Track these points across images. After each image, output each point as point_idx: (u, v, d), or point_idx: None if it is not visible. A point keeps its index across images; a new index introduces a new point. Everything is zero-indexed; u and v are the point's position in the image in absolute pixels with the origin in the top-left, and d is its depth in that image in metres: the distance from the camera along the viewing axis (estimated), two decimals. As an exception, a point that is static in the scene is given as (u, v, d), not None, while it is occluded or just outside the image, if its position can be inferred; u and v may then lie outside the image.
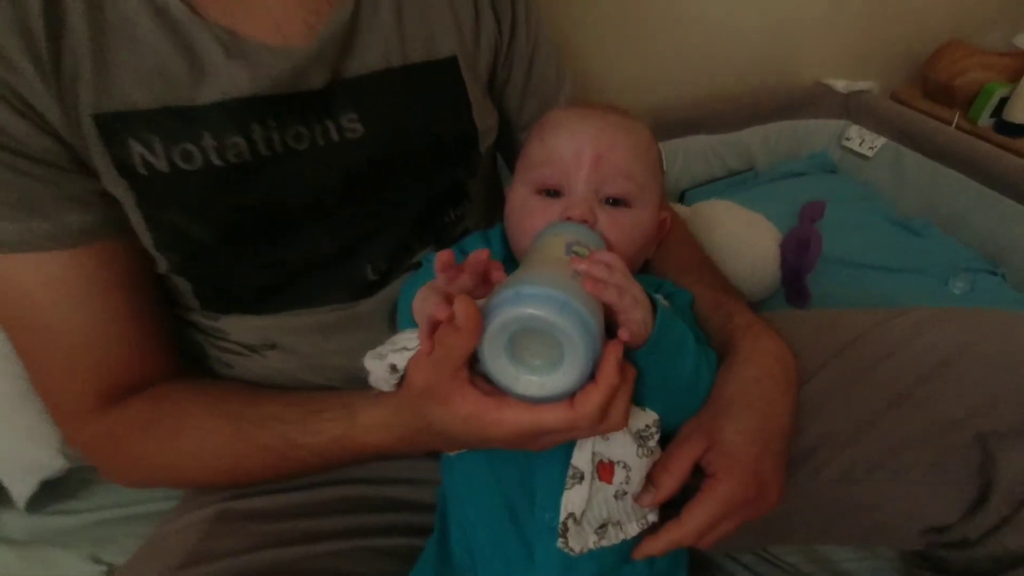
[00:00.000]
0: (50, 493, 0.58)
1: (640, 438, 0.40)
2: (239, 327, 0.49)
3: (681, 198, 1.10)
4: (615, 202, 0.47)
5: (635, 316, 0.35)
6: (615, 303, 0.35)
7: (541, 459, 0.41)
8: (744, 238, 0.87)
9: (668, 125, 1.04)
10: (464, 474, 0.45)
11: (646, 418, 0.40)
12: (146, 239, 0.44)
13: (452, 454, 0.45)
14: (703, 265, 0.57)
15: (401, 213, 0.50)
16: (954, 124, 1.11)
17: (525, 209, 0.48)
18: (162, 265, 0.46)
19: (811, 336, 0.48)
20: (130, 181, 0.41)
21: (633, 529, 0.42)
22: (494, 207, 0.60)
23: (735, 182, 1.12)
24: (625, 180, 0.47)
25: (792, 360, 0.46)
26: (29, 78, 0.38)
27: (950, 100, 1.16)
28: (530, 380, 0.34)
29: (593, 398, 0.33)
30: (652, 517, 0.43)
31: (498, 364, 0.34)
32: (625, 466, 0.40)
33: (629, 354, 0.37)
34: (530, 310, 0.32)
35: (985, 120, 1.12)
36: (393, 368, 0.39)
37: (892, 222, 1.03)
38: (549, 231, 0.44)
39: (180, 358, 0.51)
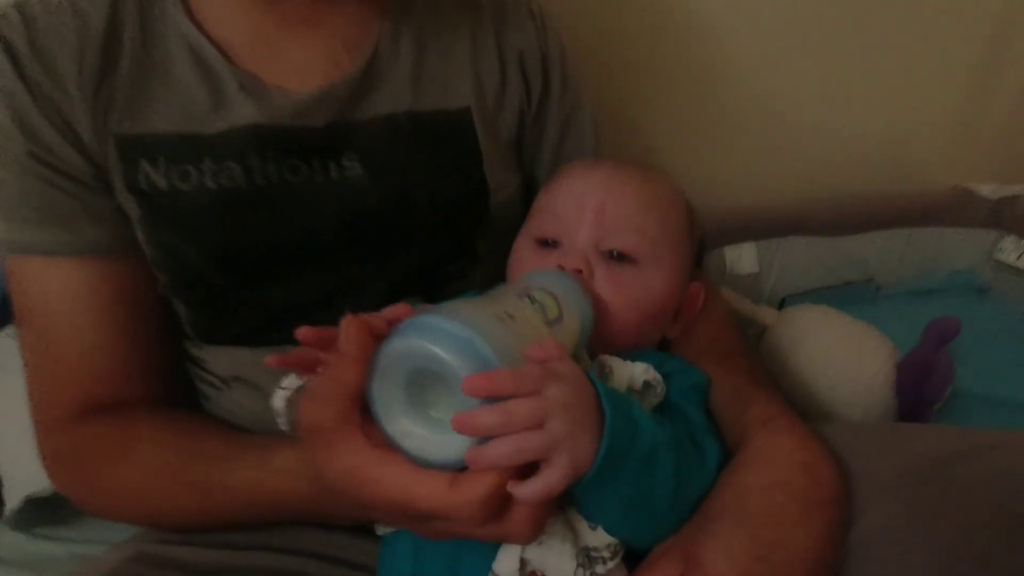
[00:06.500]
0: (41, 515, 0.58)
1: (587, 558, 0.30)
2: (216, 357, 0.48)
3: (780, 307, 0.96)
4: (620, 257, 0.41)
5: (560, 460, 0.26)
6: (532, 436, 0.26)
7: (467, 557, 0.32)
8: (845, 353, 0.70)
9: (757, 226, 0.94)
10: (391, 560, 0.37)
11: (597, 539, 0.30)
12: (147, 256, 0.46)
13: (385, 533, 0.38)
14: (732, 349, 0.46)
15: (394, 263, 0.48)
16: None
17: (518, 259, 0.45)
18: (160, 285, 0.47)
19: (874, 451, 0.34)
20: (137, 198, 0.44)
21: None
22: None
23: (850, 293, 0.96)
24: (632, 233, 0.41)
25: (828, 470, 0.32)
26: (75, 99, 0.42)
27: None
28: (421, 435, 0.27)
29: (478, 482, 0.25)
30: None
31: (387, 409, 0.28)
32: None
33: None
34: (418, 340, 0.26)
35: None
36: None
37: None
38: (523, 276, 0.39)
39: (171, 387, 0.50)
